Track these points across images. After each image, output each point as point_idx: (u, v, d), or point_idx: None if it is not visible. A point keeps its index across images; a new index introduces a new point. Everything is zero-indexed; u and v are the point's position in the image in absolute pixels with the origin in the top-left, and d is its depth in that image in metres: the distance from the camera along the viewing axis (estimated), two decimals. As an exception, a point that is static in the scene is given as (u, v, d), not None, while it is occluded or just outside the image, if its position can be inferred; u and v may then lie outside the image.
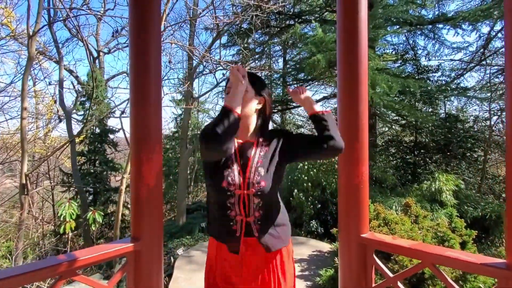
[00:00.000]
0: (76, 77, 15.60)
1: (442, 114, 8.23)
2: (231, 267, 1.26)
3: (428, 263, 1.88)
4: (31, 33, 5.02)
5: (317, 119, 1.27)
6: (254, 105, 1.32)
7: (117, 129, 14.29)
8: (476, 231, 2.80)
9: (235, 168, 1.24)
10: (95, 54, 14.34)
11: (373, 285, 2.09)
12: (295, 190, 6.24)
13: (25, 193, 5.60)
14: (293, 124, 14.09)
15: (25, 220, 5.38)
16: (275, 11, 7.75)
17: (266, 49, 12.81)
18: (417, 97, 7.05)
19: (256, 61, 13.75)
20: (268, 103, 1.35)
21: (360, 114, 2.02)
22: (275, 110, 11.35)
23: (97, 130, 14.09)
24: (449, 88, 7.20)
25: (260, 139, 1.35)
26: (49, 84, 10.46)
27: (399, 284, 1.97)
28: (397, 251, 2.28)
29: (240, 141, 1.35)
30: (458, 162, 7.09)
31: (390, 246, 2.03)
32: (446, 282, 1.80)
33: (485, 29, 8.83)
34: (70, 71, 14.55)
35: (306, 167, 6.24)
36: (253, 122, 1.34)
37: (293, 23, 10.52)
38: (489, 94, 7.49)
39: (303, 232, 5.71)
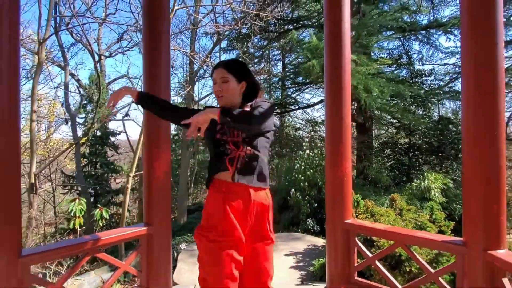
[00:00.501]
0: (78, 81, 15.99)
1: (436, 117, 8.59)
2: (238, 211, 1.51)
3: (400, 244, 2.21)
4: (41, 40, 5.37)
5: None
6: (237, 92, 1.61)
7: (118, 132, 14.63)
8: (454, 222, 3.12)
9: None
10: (96, 58, 14.73)
11: (354, 263, 2.42)
12: (292, 190, 6.56)
13: (34, 192, 5.93)
14: (292, 126, 14.43)
15: (33, 219, 5.69)
16: (273, 19, 8.11)
17: (265, 53, 13.20)
18: (410, 101, 7.41)
19: (255, 65, 14.16)
20: (249, 84, 1.62)
21: (344, 117, 2.38)
22: (274, 113, 11.71)
23: (98, 133, 14.43)
24: (441, 92, 7.55)
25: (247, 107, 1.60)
26: (57, 87, 10.82)
27: (377, 263, 2.30)
28: (375, 234, 2.61)
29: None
30: (451, 163, 7.43)
31: (369, 230, 2.38)
32: (415, 259, 2.15)
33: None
34: (72, 75, 14.94)
35: (303, 167, 6.57)
36: (238, 101, 1.62)
37: (291, 28, 10.90)
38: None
39: (299, 230, 6.03)
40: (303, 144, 8.36)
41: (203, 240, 1.52)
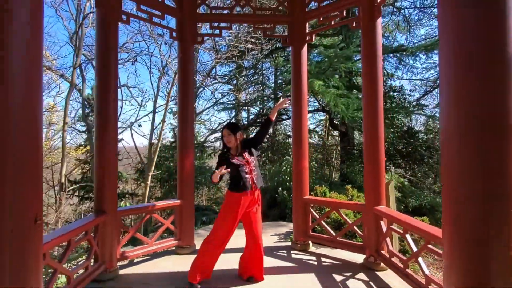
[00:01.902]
0: (79, 90, 17.46)
1: (406, 127, 10.29)
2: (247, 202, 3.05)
3: (335, 208, 3.81)
4: (75, 65, 6.92)
5: (270, 121, 3.13)
6: (234, 138, 3.14)
7: (119, 139, 16.07)
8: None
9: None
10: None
11: (310, 224, 3.99)
12: (279, 189, 8.12)
13: (63, 190, 7.38)
14: (284, 134, 16.03)
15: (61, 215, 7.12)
16: (265, 45, 9.72)
17: (258, 66, 14.85)
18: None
19: (250, 77, 15.82)
20: (240, 136, 3.17)
21: (302, 128, 4.01)
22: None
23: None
24: (408, 106, 9.27)
25: (244, 152, 3.16)
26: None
27: (322, 222, 3.89)
28: (321, 204, 4.21)
29: (235, 154, 3.13)
30: (416, 166, 9.10)
31: (317, 201, 3.99)
32: (341, 216, 3.75)
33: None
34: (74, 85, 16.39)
35: (289, 170, 8.15)
36: (238, 147, 3.17)
37: (281, 46, 12.56)
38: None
39: (286, 222, 7.56)
40: (289, 149, 9.99)
41: (221, 214, 3.04)
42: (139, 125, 11.80)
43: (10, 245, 1.09)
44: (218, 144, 14.88)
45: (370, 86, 3.41)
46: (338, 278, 3.20)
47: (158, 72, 10.06)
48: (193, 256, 3.46)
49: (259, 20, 4.26)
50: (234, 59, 11.74)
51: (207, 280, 3.07)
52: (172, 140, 17.79)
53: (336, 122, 11.39)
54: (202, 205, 13.23)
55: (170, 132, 18.38)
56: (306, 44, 4.14)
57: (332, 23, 3.93)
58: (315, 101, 13.07)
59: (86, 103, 16.35)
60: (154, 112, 10.07)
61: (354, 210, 4.25)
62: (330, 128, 13.88)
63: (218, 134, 13.93)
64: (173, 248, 3.93)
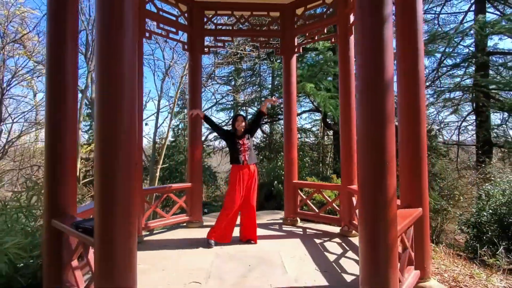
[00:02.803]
0: (81, 90, 18.30)
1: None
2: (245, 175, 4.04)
3: (318, 189, 4.78)
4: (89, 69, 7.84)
5: (261, 113, 4.18)
6: (243, 127, 4.14)
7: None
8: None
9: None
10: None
11: (298, 203, 4.94)
12: (275, 182, 9.08)
13: (78, 183, 8.28)
14: (280, 134, 17.00)
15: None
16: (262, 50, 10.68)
17: (256, 68, 15.82)
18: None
19: (248, 78, 16.80)
20: (245, 124, 4.17)
21: (291, 126, 4.95)
22: (264, 122, 14.24)
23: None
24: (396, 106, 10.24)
25: (245, 135, 4.14)
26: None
27: (308, 201, 4.85)
28: (306, 186, 5.18)
29: (239, 136, 4.14)
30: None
31: (304, 184, 4.98)
32: (323, 195, 4.73)
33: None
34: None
35: (283, 165, 9.12)
36: (242, 132, 4.15)
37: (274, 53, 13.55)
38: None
39: (281, 211, 8.51)
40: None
41: (229, 186, 4.01)
42: (146, 124, 12.66)
43: (121, 181, 1.99)
44: (217, 143, 15.76)
45: (344, 88, 4.39)
46: (318, 241, 4.16)
47: (162, 74, 10.99)
48: (202, 229, 4.40)
49: (256, 34, 5.24)
50: (233, 63, 12.72)
51: (225, 243, 4.07)
52: (172, 139, 18.74)
53: (329, 122, 12.37)
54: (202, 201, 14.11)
55: (170, 131, 19.27)
56: (295, 55, 5.12)
57: (316, 38, 4.90)
58: (310, 102, 14.07)
59: (87, 102, 17.25)
60: (158, 112, 11.00)
61: (333, 189, 5.23)
62: (325, 128, 14.85)
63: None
64: (185, 223, 4.88)
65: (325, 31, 4.78)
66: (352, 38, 4.44)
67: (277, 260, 3.54)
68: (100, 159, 1.96)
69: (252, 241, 4.11)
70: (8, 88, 11.11)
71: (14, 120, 11.25)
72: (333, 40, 4.70)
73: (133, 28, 2.02)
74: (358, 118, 2.13)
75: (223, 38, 5.16)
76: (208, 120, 4.26)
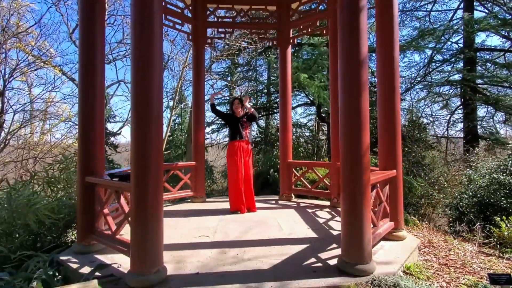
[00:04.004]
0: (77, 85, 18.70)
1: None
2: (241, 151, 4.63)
3: (310, 167, 5.38)
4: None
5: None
6: (240, 110, 4.74)
7: (119, 132, 17.39)
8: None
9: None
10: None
11: (293, 181, 5.52)
12: (271, 170, 9.66)
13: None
14: (276, 128, 17.59)
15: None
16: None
17: (252, 63, 16.38)
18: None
19: (244, 73, 17.35)
20: (243, 107, 4.77)
21: (287, 116, 5.53)
22: (260, 115, 14.81)
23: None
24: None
25: (244, 118, 4.72)
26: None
27: (303, 179, 5.43)
28: (300, 164, 5.78)
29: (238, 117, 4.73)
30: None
31: (297, 163, 5.59)
32: (315, 172, 5.32)
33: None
34: (72, 80, 17.65)
35: (279, 154, 9.71)
36: (241, 114, 4.74)
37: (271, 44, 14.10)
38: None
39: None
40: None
41: (229, 161, 4.60)
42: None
43: (153, 132, 2.56)
44: (214, 136, 16.26)
45: (335, 74, 4.98)
46: (310, 210, 4.75)
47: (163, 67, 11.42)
48: (205, 203, 4.94)
49: (254, 27, 5.81)
50: (230, 56, 13.25)
51: (237, 211, 4.65)
52: (169, 134, 19.20)
53: (324, 115, 12.97)
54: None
55: (167, 127, 19.71)
56: (290, 46, 5.69)
57: (309, 30, 5.48)
58: (305, 96, 14.67)
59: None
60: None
61: (323, 167, 5.84)
62: (319, 122, 15.46)
63: (215, 126, 15.30)
64: (189, 199, 5.43)
65: (318, 24, 5.36)
66: (341, 30, 5.03)
67: (274, 222, 4.12)
68: (137, 114, 2.50)
69: (251, 210, 4.68)
70: (10, 80, 11.53)
71: (16, 112, 11.67)
72: (324, 32, 5.29)
73: (160, 24, 2.58)
74: (340, 89, 2.70)
75: (224, 30, 5.72)
76: (214, 106, 4.88)
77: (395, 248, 3.16)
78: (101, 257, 2.95)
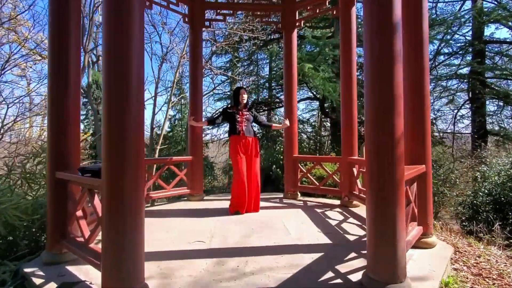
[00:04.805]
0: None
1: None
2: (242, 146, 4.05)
3: (318, 163, 4.79)
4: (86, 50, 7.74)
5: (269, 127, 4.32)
6: (245, 99, 4.14)
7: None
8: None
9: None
10: (94, 59, 16.82)
11: (298, 177, 4.95)
12: (273, 167, 9.09)
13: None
14: (278, 123, 17.01)
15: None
16: (261, 30, 10.63)
17: (253, 57, 15.76)
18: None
19: (245, 68, 16.73)
20: (248, 95, 4.20)
21: (291, 98, 4.95)
22: (261, 111, 14.23)
23: (99, 128, 16.56)
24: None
25: (245, 110, 4.15)
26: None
27: (309, 175, 4.85)
28: (307, 159, 5.21)
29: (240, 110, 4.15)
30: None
31: (304, 158, 5.00)
32: (323, 168, 4.74)
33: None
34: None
35: (282, 149, 9.12)
36: (244, 105, 4.16)
37: (277, 36, 13.48)
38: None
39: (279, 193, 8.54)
40: (283, 132, 10.92)
41: (232, 158, 4.03)
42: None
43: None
44: (215, 131, 15.68)
45: (346, 58, 4.39)
46: (319, 210, 4.18)
47: (160, 59, 10.87)
48: (203, 202, 4.39)
49: (256, 8, 5.21)
50: (231, 49, 12.63)
51: (238, 211, 4.04)
52: (169, 129, 18.63)
53: (327, 110, 12.38)
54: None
55: (167, 122, 19.14)
56: (296, 29, 5.10)
57: (317, 11, 4.88)
58: (308, 90, 14.07)
59: (83, 91, 17.06)
60: (155, 97, 10.91)
61: (333, 161, 5.26)
62: (322, 117, 14.87)
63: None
64: (185, 197, 4.87)
65: (327, 3, 4.77)
66: (353, 9, 4.44)
67: (280, 224, 3.55)
68: (109, 89, 1.93)
69: (254, 210, 4.12)
70: (2, 73, 10.95)
71: (9, 106, 11.10)
72: (334, 13, 4.69)
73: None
74: (366, 62, 2.12)
75: (224, 12, 5.13)
76: (211, 121, 4.34)
77: (426, 258, 2.59)
78: (73, 270, 2.38)
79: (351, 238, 3.09)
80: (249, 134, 4.12)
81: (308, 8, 4.95)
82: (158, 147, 8.29)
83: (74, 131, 2.66)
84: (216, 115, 4.28)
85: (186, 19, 4.87)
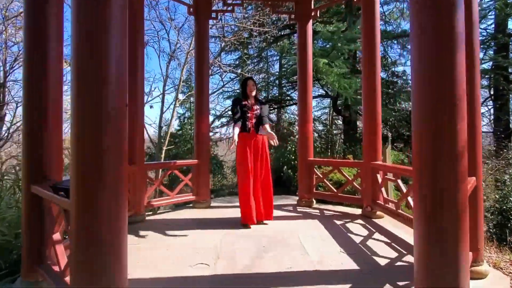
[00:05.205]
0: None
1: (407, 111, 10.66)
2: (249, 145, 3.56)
3: (336, 167, 4.28)
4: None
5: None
6: (254, 92, 3.65)
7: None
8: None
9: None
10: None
11: (314, 183, 4.45)
12: (284, 167, 8.59)
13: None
14: (287, 122, 16.46)
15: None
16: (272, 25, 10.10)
17: (263, 54, 15.22)
18: (383, 97, 9.51)
19: (255, 65, 16.21)
20: (257, 93, 3.68)
21: (306, 95, 4.43)
22: (271, 109, 13.71)
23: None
24: (410, 90, 9.64)
25: (255, 105, 3.65)
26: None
27: (325, 180, 4.35)
28: (324, 163, 4.69)
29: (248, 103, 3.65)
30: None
31: (321, 162, 4.49)
32: (341, 173, 4.21)
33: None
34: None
35: (293, 149, 8.60)
36: (254, 99, 3.66)
37: (288, 32, 12.91)
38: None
39: (291, 195, 8.04)
40: (296, 133, 10.40)
41: (239, 159, 3.54)
42: (151, 106, 12.14)
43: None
44: (224, 130, 15.23)
45: (369, 51, 3.85)
46: (339, 222, 3.67)
47: (168, 56, 10.48)
48: (209, 210, 3.94)
49: (268, -3, 4.69)
50: (240, 45, 12.13)
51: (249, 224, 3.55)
52: (178, 128, 18.28)
53: (340, 108, 11.78)
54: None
55: (176, 120, 18.80)
56: (311, 20, 4.57)
57: (336, -1, 4.34)
58: (320, 87, 13.48)
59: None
60: (163, 95, 10.54)
61: (354, 167, 4.71)
62: (334, 114, 14.25)
63: (224, 120, 14.28)
64: (191, 204, 4.43)
65: (347, -9, 4.23)
66: (378, -4, 3.88)
67: (295, 240, 3.06)
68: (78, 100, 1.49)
69: (267, 218, 3.65)
70: (11, 72, 10.73)
71: (18, 105, 10.88)
72: (355, 0, 4.14)
73: None
74: (414, 47, 1.60)
75: (232, 2, 4.63)
76: (238, 121, 3.63)
77: (480, 292, 2.08)
78: (49, 304, 1.97)
79: (381, 261, 2.58)
80: (259, 132, 3.65)
81: (325, -5, 4.42)
82: (165, 148, 7.88)
83: (55, 134, 2.22)
84: (234, 113, 3.68)
85: (191, 10, 4.40)
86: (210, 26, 4.93)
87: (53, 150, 2.20)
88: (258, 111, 3.66)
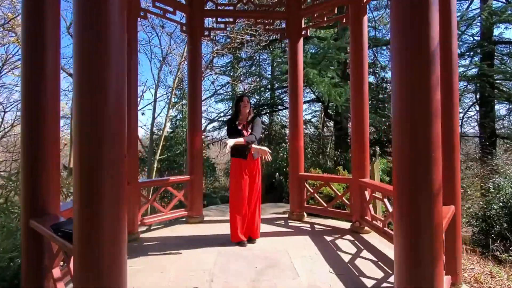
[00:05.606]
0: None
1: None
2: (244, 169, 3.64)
3: (326, 183, 4.39)
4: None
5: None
6: (248, 110, 3.73)
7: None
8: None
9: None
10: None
11: (305, 197, 4.56)
12: (277, 174, 8.72)
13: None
14: (280, 125, 16.59)
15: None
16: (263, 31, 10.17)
17: (255, 57, 15.28)
18: (374, 103, 9.69)
19: (247, 68, 16.28)
20: (251, 110, 3.76)
21: (297, 112, 4.54)
22: (263, 112, 13.83)
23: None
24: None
25: (248, 126, 3.72)
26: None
27: (316, 195, 4.47)
28: (314, 179, 4.81)
29: (242, 124, 3.74)
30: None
31: (312, 177, 4.60)
32: (331, 188, 4.34)
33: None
34: (71, 75, 16.71)
35: (285, 156, 8.73)
36: (247, 119, 3.75)
37: (279, 37, 13.00)
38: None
39: (283, 203, 8.17)
40: (286, 138, 10.53)
41: (231, 181, 3.62)
42: (142, 113, 12.15)
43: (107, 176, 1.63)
44: (216, 133, 15.32)
45: (356, 72, 3.98)
46: (329, 238, 3.81)
47: (159, 62, 10.48)
48: (202, 225, 4.02)
49: (260, 16, 4.78)
50: (232, 50, 12.18)
51: (241, 242, 3.63)
52: (170, 130, 18.24)
53: (331, 112, 11.96)
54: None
55: (168, 122, 18.74)
56: (301, 38, 4.68)
57: (325, 19, 4.46)
58: (311, 92, 13.64)
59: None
60: (155, 101, 10.55)
61: (343, 183, 4.88)
62: (325, 118, 14.45)
63: (216, 124, 14.35)
64: (184, 219, 4.51)
65: (336, 11, 4.35)
66: (365, 18, 4.01)
67: (287, 260, 3.18)
68: (80, 146, 1.57)
69: (253, 237, 3.73)
70: (-1, 76, 10.57)
71: (6, 110, 10.74)
72: (344, 21, 4.26)
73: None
74: (394, 68, 1.74)
75: (224, 20, 4.71)
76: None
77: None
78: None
79: (368, 283, 2.71)
80: (257, 155, 3.71)
81: (315, 15, 4.52)
82: (157, 157, 7.91)
83: (53, 169, 2.29)
84: (230, 134, 3.66)
85: (184, 28, 4.46)
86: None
87: (51, 184, 2.26)
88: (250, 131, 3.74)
